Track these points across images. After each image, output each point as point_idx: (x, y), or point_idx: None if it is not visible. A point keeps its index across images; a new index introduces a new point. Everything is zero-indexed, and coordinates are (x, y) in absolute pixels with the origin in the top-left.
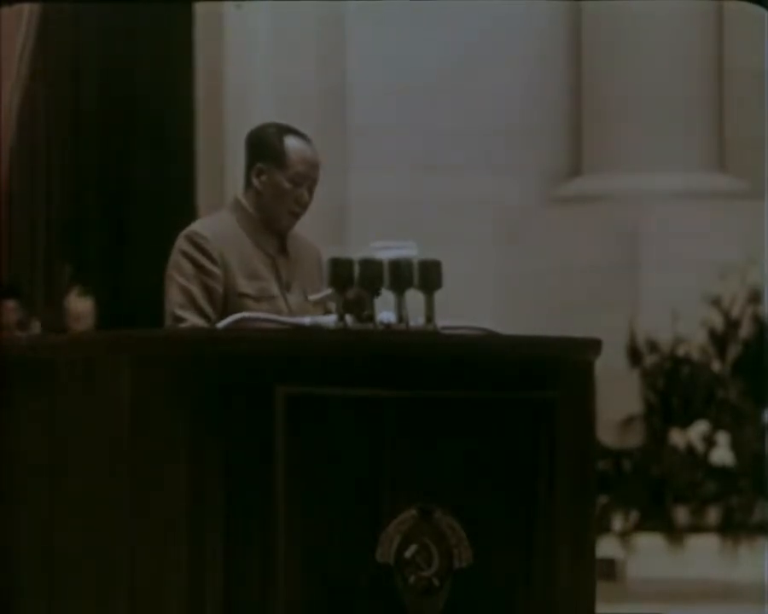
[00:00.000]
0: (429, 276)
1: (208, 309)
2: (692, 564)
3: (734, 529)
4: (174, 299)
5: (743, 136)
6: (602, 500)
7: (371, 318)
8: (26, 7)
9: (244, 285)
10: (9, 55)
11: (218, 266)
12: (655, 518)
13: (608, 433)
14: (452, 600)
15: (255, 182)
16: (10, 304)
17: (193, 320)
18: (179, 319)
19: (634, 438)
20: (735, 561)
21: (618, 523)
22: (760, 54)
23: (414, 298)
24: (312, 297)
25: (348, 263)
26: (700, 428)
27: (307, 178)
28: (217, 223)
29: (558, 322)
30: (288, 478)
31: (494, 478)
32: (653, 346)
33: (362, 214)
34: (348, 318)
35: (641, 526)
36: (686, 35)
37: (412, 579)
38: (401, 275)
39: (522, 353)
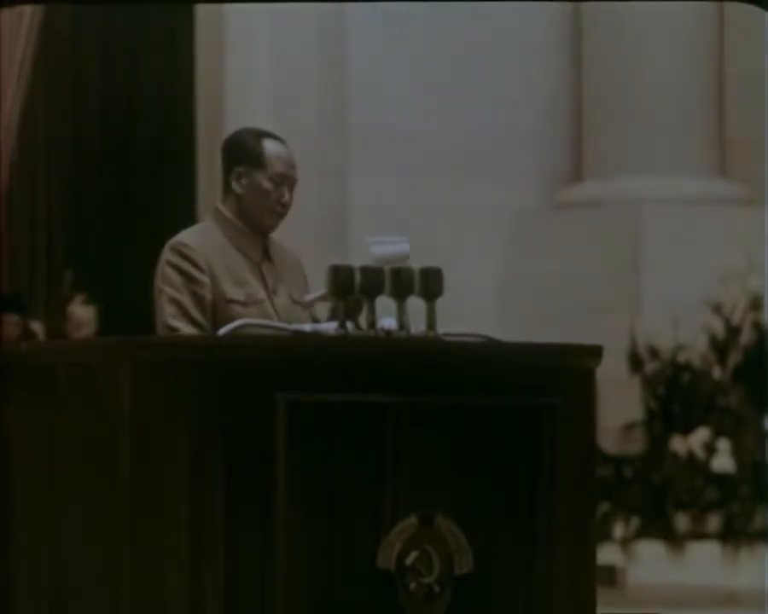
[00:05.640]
0: (430, 283)
1: (200, 317)
2: (693, 571)
3: (734, 535)
4: (165, 310)
5: (744, 140)
6: (603, 506)
7: (372, 325)
8: (27, 10)
9: (232, 291)
10: (10, 58)
11: (205, 274)
12: (656, 525)
13: (608, 440)
14: (453, 607)
15: (236, 186)
16: (12, 318)
17: (186, 329)
18: (172, 329)
19: (635, 445)
20: (735, 568)
21: (618, 529)
22: (760, 55)
23: (415, 304)
24: (307, 296)
25: (349, 271)
26: (700, 435)
27: (286, 178)
28: (201, 233)
29: (559, 327)
30: (289, 485)
31: (495, 485)
32: (654, 353)
33: (363, 218)
34: (349, 325)
35: (641, 533)
36: (686, 38)
37: (413, 585)
38: (402, 282)
39: (523, 360)
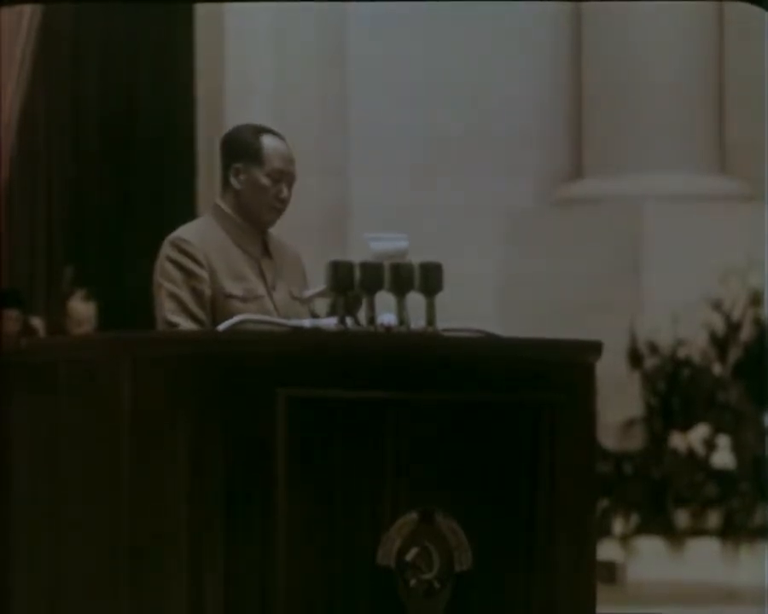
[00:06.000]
0: (430, 279)
1: (199, 313)
2: (692, 567)
3: (734, 532)
4: (165, 306)
5: (744, 138)
6: (603, 503)
7: (372, 320)
8: (27, 10)
9: (231, 286)
10: (10, 57)
11: (205, 269)
12: (656, 521)
13: (608, 436)
14: (453, 603)
15: (234, 182)
16: (12, 313)
17: (185, 325)
18: (172, 325)
19: (635, 441)
20: (735, 564)
21: (618, 526)
22: (760, 55)
23: (415, 300)
24: (307, 292)
25: (348, 266)
26: (700, 431)
27: (285, 174)
28: (200, 228)
29: (559, 325)
30: (289, 481)
31: (495, 481)
32: (653, 349)
33: (363, 216)
34: (348, 321)
35: (641, 529)
36: (686, 37)
37: (413, 582)
38: (402, 278)
39: (523, 356)
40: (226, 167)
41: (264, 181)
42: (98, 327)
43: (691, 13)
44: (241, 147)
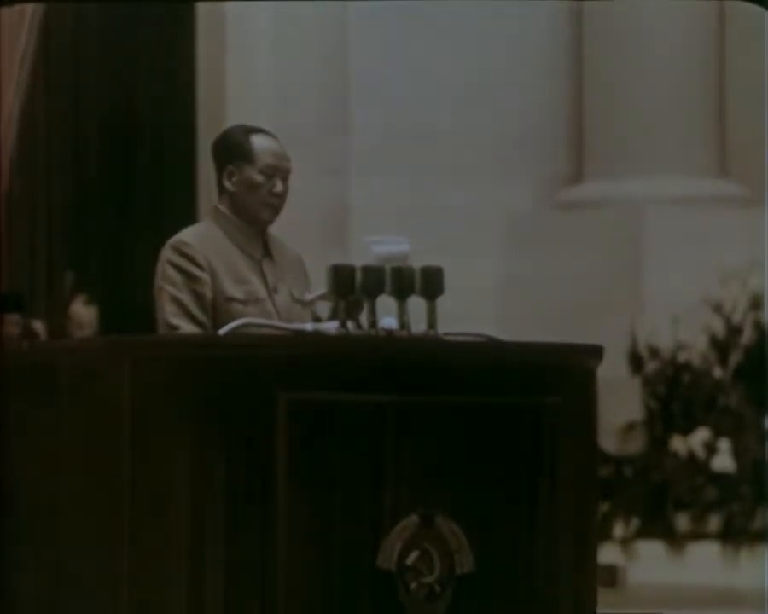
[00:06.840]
0: (431, 283)
1: (201, 316)
2: (693, 571)
3: (735, 535)
4: (166, 309)
5: (744, 140)
6: (604, 506)
7: (373, 324)
8: (28, 9)
9: (231, 289)
10: (10, 57)
11: (206, 272)
12: (656, 525)
13: (609, 440)
14: (454, 606)
15: (228, 184)
16: (13, 317)
17: (187, 328)
18: (173, 328)
19: (635, 445)
20: (735, 568)
21: (619, 529)
22: (761, 55)
23: (416, 304)
24: (308, 296)
25: (350, 270)
26: (701, 435)
27: (278, 169)
28: (200, 231)
29: (559, 328)
30: (289, 484)
31: (496, 485)
32: (654, 352)
33: (363, 218)
34: (350, 324)
35: (642, 533)
36: (686, 37)
37: (414, 585)
38: (403, 282)
39: (524, 359)
40: (220, 170)
41: (258, 178)
42: (99, 330)
43: (691, 13)
44: (232, 149)
